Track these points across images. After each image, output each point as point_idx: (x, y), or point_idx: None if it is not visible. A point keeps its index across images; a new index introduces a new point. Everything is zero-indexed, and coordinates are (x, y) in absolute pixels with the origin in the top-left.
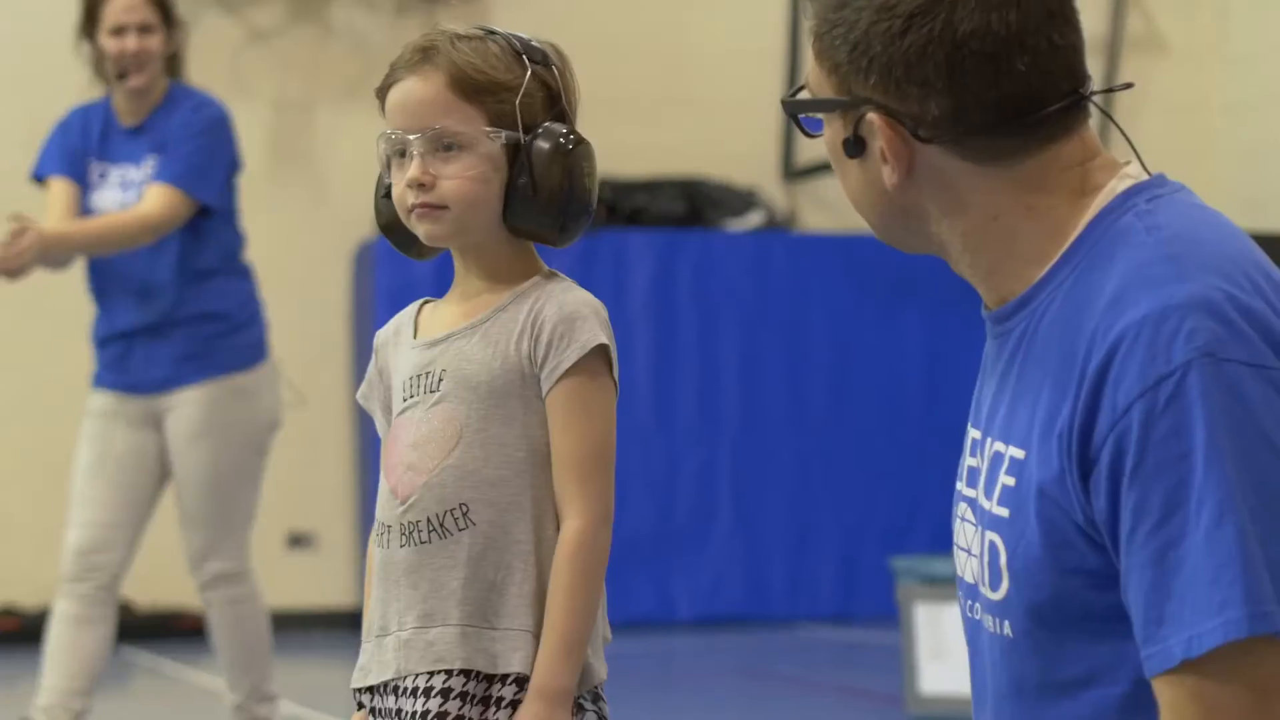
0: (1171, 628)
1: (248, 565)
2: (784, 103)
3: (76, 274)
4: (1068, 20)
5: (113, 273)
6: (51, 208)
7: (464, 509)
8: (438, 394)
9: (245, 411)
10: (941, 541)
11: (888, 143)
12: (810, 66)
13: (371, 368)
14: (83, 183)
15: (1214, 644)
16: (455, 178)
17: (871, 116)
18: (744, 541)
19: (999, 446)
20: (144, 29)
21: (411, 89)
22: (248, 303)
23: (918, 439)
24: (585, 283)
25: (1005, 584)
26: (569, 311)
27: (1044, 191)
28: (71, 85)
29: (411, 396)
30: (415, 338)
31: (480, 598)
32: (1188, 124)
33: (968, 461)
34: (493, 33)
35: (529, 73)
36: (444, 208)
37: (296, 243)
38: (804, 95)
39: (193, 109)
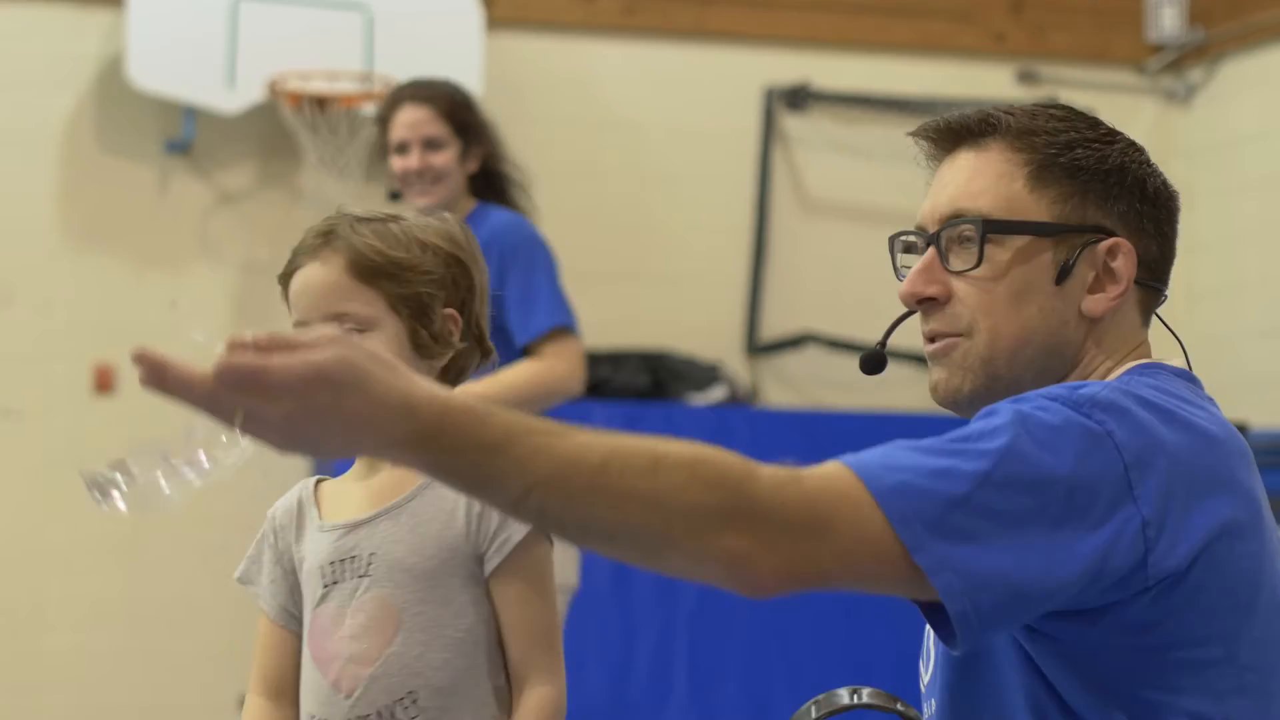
0: None
1: None
2: (991, 221)
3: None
4: None
5: None
6: None
7: (412, 697)
8: (368, 579)
9: None
10: None
11: (1126, 269)
12: (996, 195)
13: (257, 548)
14: None
15: None
16: None
17: (1119, 242)
18: (699, 716)
19: None
20: None
21: (312, 275)
22: None
23: (874, 613)
24: None
25: None
26: None
27: (1121, 355)
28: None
29: (336, 583)
30: (321, 519)
31: None
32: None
33: None
34: (397, 218)
35: (429, 251)
36: None
37: None
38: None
39: None
